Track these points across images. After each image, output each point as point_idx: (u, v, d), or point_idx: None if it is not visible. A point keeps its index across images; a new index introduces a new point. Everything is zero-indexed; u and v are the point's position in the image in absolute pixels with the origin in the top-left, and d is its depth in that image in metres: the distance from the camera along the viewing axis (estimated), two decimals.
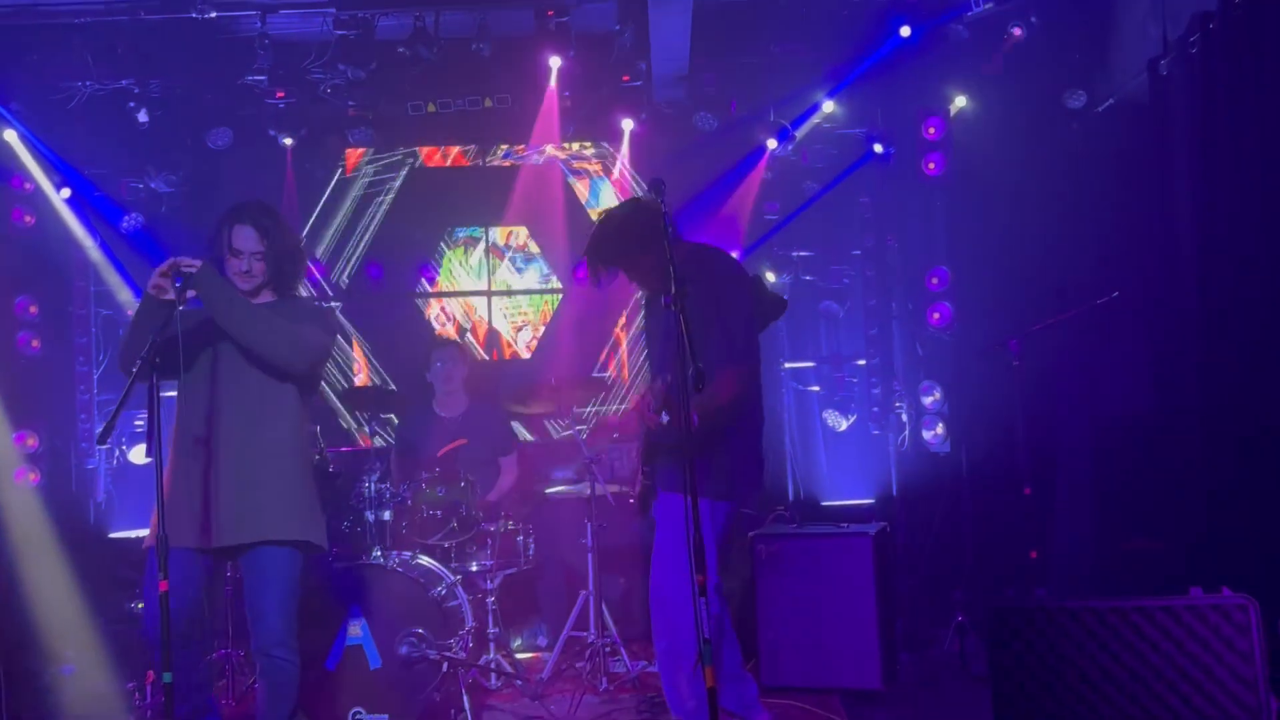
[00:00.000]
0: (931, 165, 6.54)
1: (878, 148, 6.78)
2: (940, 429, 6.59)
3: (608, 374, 7.26)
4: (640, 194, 7.29)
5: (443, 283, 7.40)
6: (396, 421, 6.21)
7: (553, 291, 7.46)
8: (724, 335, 3.52)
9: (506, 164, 7.42)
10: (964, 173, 6.50)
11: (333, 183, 7.34)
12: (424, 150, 7.41)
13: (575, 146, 7.45)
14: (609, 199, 7.41)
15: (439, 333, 7.28)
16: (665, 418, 3.42)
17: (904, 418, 6.79)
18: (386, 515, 5.14)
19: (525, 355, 7.34)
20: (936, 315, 6.57)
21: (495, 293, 7.43)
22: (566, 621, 5.60)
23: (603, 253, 3.65)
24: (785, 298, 3.90)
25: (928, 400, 6.63)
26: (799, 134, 6.89)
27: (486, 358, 7.25)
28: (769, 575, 5.21)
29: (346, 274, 7.27)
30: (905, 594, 6.13)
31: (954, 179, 6.52)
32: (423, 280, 7.39)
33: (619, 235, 3.63)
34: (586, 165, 7.46)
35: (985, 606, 5.42)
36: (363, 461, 5.27)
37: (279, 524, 3.51)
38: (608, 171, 7.42)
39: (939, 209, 6.64)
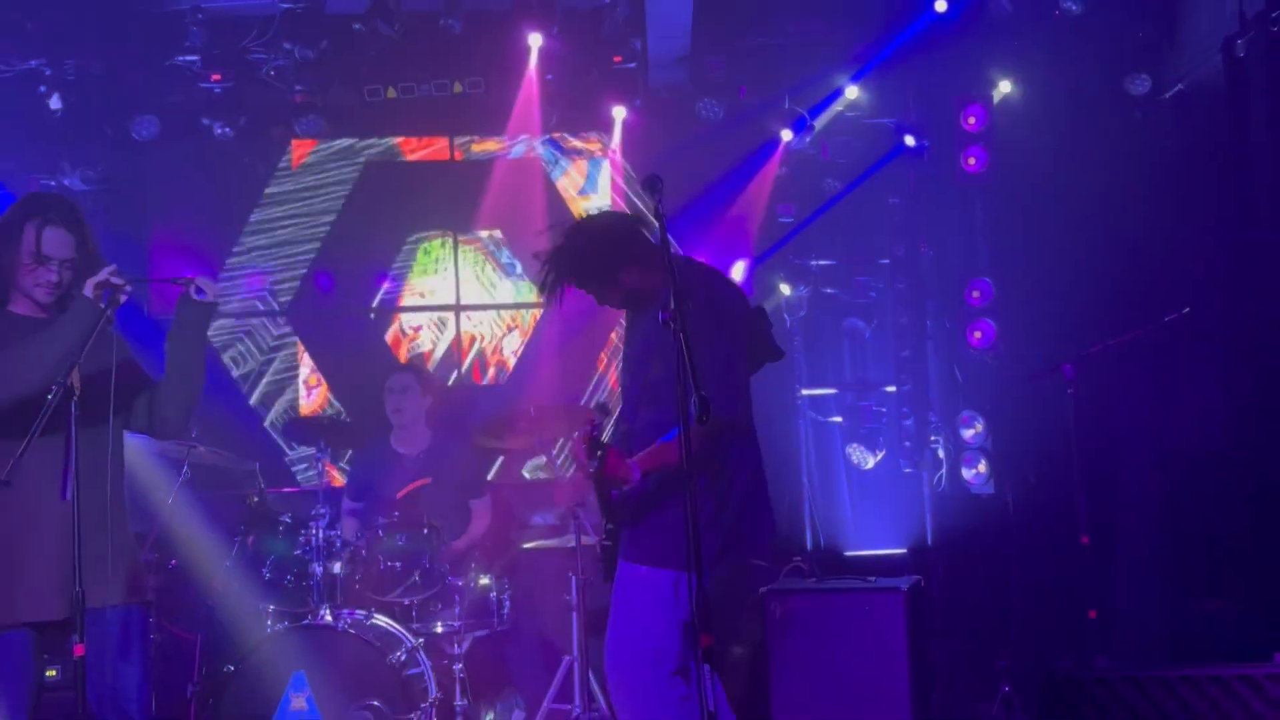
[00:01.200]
0: (972, 160, 6.56)
1: (909, 140, 6.81)
2: (983, 467, 6.60)
3: (594, 401, 7.24)
4: (633, 194, 7.33)
5: (409, 295, 7.41)
6: (349, 458, 6.19)
7: (531, 306, 7.45)
8: (704, 366, 3.44)
9: (480, 158, 7.43)
10: (1009, 169, 6.53)
11: (276, 179, 7.33)
12: (390, 141, 7.41)
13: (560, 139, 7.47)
14: (608, 186, 7.42)
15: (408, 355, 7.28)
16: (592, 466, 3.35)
17: (940, 454, 6.79)
18: (337, 567, 5.12)
19: (496, 378, 7.32)
20: (978, 334, 6.58)
21: (466, 307, 7.42)
22: (547, 693, 5.57)
23: (569, 267, 3.60)
24: (779, 347, 3.78)
25: (968, 433, 6.64)
26: (818, 124, 6.92)
27: (467, 379, 7.22)
28: (784, 638, 5.20)
29: (292, 286, 7.27)
30: (942, 661, 6.10)
31: (998, 176, 6.54)
32: (383, 291, 7.39)
33: (594, 247, 3.58)
34: (584, 144, 7.46)
35: (1036, 676, 5.40)
36: (309, 505, 5.26)
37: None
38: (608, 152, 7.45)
39: (980, 211, 6.66)
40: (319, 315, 7.29)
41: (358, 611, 5.14)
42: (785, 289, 7.01)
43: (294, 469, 7.06)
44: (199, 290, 3.40)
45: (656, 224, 3.30)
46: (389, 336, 7.36)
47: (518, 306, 7.46)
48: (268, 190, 7.29)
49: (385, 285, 7.35)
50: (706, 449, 3.43)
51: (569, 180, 7.50)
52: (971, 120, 6.56)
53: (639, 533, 3.58)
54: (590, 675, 5.47)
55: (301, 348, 7.31)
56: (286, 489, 6.36)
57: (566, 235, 3.65)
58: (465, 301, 7.41)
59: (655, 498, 3.53)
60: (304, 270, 7.29)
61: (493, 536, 6.04)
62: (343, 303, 7.28)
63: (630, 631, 3.54)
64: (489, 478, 6.54)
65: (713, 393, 3.29)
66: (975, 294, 6.60)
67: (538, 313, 7.44)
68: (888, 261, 7.15)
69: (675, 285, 3.10)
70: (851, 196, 6.97)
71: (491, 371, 7.39)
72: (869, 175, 6.90)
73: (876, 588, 5.24)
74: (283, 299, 7.30)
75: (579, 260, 3.61)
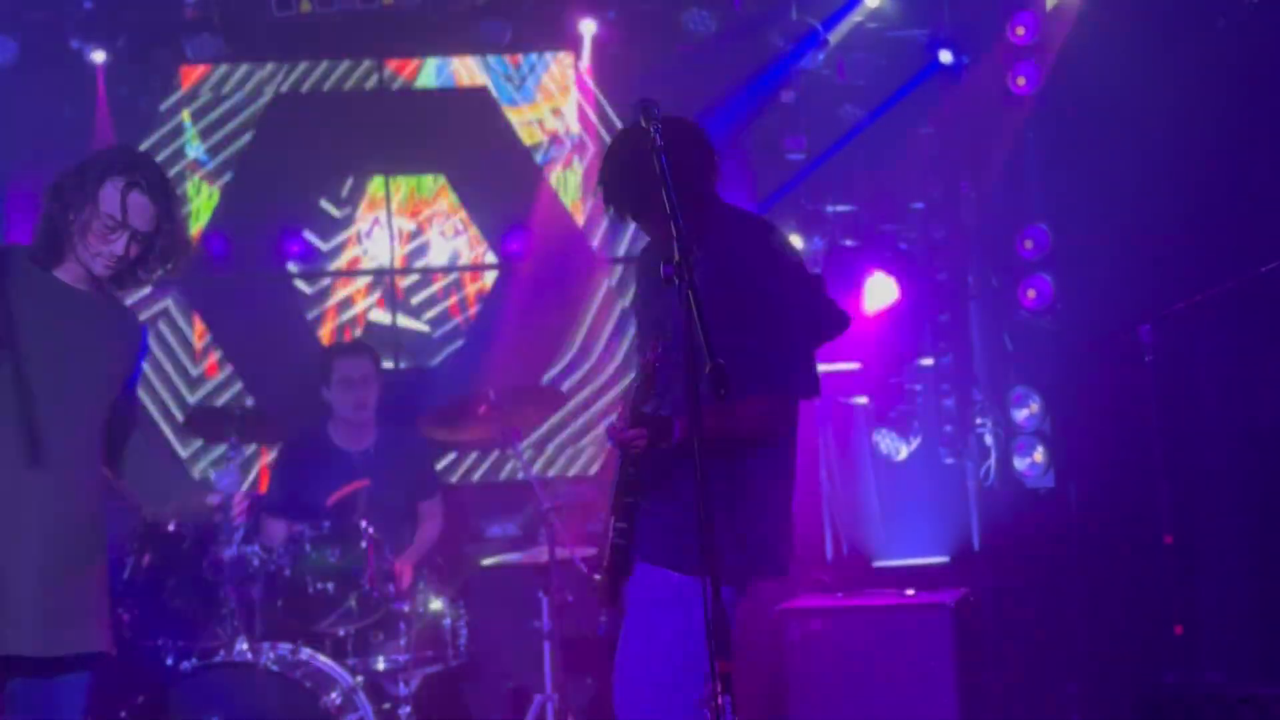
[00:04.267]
0: (1021, 81, 6.55)
1: (945, 56, 6.80)
2: (1040, 454, 6.61)
3: (568, 382, 7.26)
4: (605, 129, 7.31)
5: (332, 257, 7.39)
6: (271, 458, 6.16)
7: (483, 268, 7.45)
8: (761, 343, 3.51)
9: (416, 87, 7.42)
10: (1067, 91, 6.53)
11: (162, 114, 7.29)
12: (304, 66, 7.37)
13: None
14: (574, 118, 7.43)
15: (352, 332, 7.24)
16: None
17: (988, 440, 6.81)
18: (255, 591, 5.12)
19: (440, 355, 7.33)
20: (1032, 293, 6.58)
21: (402, 271, 7.40)
22: None
23: (610, 195, 3.70)
24: (843, 311, 3.85)
25: (1021, 414, 6.65)
26: (833, 38, 6.90)
27: (391, 365, 7.21)
28: (804, 666, 5.25)
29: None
30: (995, 689, 6.14)
31: (1053, 100, 6.54)
32: (296, 254, 7.36)
33: (620, 176, 3.63)
34: (545, 68, 7.45)
35: (1113, 702, 5.46)
36: (217, 517, 5.19)
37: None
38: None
39: (1032, 142, 6.67)
40: (215, 283, 7.25)
41: (282, 645, 5.14)
42: (797, 240, 6.98)
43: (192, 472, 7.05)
44: None
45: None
46: (326, 308, 7.34)
47: (467, 269, 7.45)
48: (152, 129, 7.24)
49: (301, 244, 7.33)
50: (771, 430, 3.51)
51: (526, 112, 7.48)
52: (1020, 31, 6.53)
53: (663, 528, 3.58)
54: (570, 719, 5.48)
55: (199, 324, 7.27)
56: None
57: (606, 153, 3.73)
58: (402, 264, 7.41)
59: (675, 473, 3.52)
60: (198, 228, 7.21)
61: (444, 550, 6.04)
62: (245, 268, 7.26)
63: (648, 652, 3.54)
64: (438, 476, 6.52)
65: (746, 376, 3.37)
66: (1028, 244, 6.59)
67: (474, 295, 7.42)
68: (921, 206, 7.13)
69: (679, 232, 3.09)
70: (875, 126, 6.93)
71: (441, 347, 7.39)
72: (896, 100, 6.87)
73: (916, 603, 5.29)
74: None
75: (612, 187, 3.68)
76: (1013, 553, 6.65)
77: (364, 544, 5.32)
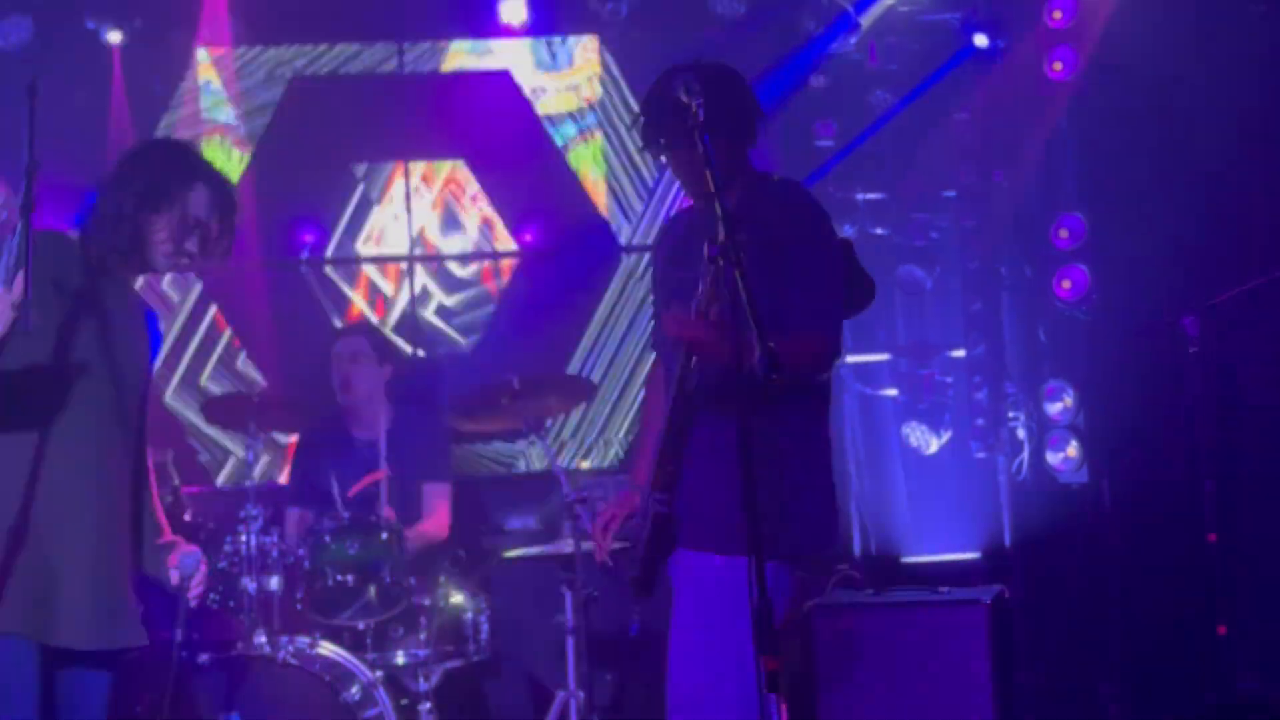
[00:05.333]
0: (1058, 65, 6.49)
1: (980, 40, 6.74)
2: (1073, 449, 6.58)
3: (593, 371, 7.20)
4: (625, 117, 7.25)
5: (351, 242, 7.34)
6: (295, 446, 6.09)
7: (503, 255, 7.38)
8: (806, 293, 3.45)
9: (437, 71, 7.36)
10: (1107, 75, 6.46)
11: (178, 98, 7.22)
12: (324, 49, 7.30)
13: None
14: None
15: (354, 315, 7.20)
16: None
17: (1021, 434, 6.75)
18: (274, 584, 5.09)
19: (462, 343, 7.28)
20: (1067, 284, 6.52)
21: (421, 258, 7.34)
22: None
23: (644, 135, 3.61)
24: (871, 280, 3.82)
25: (1055, 408, 6.62)
26: (865, 21, 6.84)
27: (413, 351, 7.16)
28: (836, 664, 5.16)
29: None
30: (1030, 688, 6.08)
31: (1092, 85, 6.48)
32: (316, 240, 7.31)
33: (650, 112, 3.56)
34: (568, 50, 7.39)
35: (1157, 708, 5.40)
36: (236, 505, 5.19)
37: None
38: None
39: (1069, 129, 6.60)
40: (235, 269, 7.19)
41: (300, 638, 5.09)
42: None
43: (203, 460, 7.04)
44: None
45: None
46: (345, 296, 7.29)
47: (488, 256, 7.38)
48: (167, 113, 7.18)
49: (319, 231, 7.28)
50: (828, 356, 3.47)
51: (549, 97, 7.41)
52: (1058, 14, 6.47)
53: (707, 507, 3.49)
54: (594, 717, 5.42)
55: (218, 313, 7.24)
56: (205, 487, 6.30)
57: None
58: (423, 250, 7.35)
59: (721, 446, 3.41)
60: None
61: (464, 542, 5.98)
62: (262, 255, 7.19)
63: (704, 642, 3.46)
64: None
65: (799, 319, 3.35)
66: (1063, 233, 6.53)
67: (496, 283, 7.38)
68: (953, 194, 7.08)
69: (723, 210, 3.02)
70: (907, 113, 6.89)
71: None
72: (929, 85, 6.83)
73: (951, 600, 5.21)
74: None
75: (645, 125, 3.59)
76: (1045, 549, 6.61)
77: (385, 536, 5.26)
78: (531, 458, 7.27)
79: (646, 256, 7.33)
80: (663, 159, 3.64)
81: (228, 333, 7.24)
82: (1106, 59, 6.45)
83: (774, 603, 3.17)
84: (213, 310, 7.23)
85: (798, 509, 3.49)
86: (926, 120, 6.91)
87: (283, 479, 6.74)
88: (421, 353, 7.23)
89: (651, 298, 3.91)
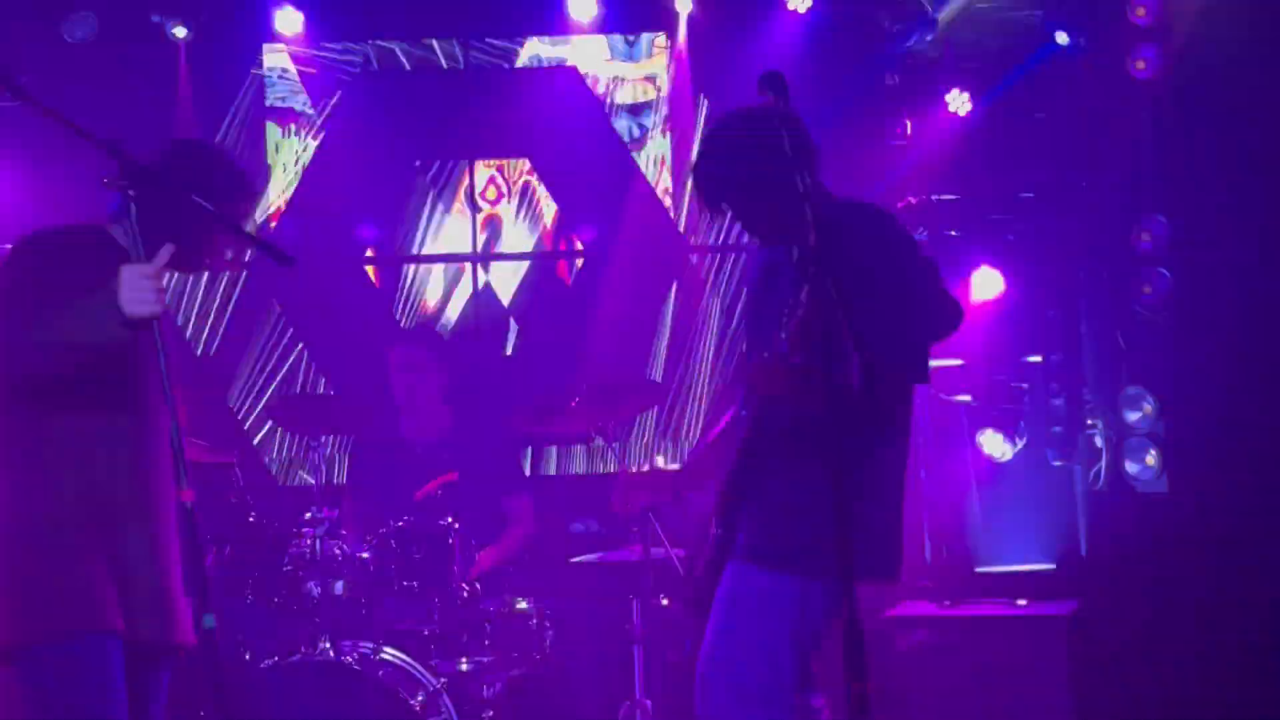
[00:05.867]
0: (1141, 64, 6.38)
1: (1061, 38, 6.62)
2: (1152, 458, 6.47)
3: (657, 373, 7.15)
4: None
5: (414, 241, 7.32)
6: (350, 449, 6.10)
7: (568, 255, 7.33)
8: (884, 316, 3.37)
9: (503, 67, 7.32)
10: (1191, 74, 6.35)
11: (244, 94, 7.22)
12: (389, 45, 7.29)
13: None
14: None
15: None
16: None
17: (1098, 442, 6.63)
18: (339, 588, 5.03)
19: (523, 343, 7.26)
20: (1148, 289, 6.42)
21: (486, 257, 7.31)
22: None
23: (708, 181, 3.57)
24: (958, 305, 3.79)
25: (1134, 416, 6.51)
26: (942, 18, 6.72)
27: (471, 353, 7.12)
28: (909, 676, 5.12)
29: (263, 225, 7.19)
30: (1107, 704, 5.96)
31: (1176, 84, 6.37)
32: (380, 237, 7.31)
33: (727, 157, 3.50)
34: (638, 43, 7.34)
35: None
36: (301, 507, 5.16)
37: None
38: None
39: (1151, 129, 6.47)
40: (299, 269, 7.15)
41: (364, 644, 5.04)
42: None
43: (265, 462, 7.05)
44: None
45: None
46: (406, 295, 7.26)
47: (553, 255, 7.34)
48: (233, 108, 7.17)
49: (381, 228, 7.27)
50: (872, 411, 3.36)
51: (625, 88, 7.36)
52: (1141, 11, 6.34)
53: (768, 522, 3.46)
54: None
55: (277, 311, 7.23)
56: (267, 488, 6.28)
57: (705, 136, 3.68)
58: (487, 249, 7.32)
59: (788, 465, 3.43)
60: (277, 208, 7.23)
61: (532, 548, 5.93)
62: (328, 251, 7.20)
63: (738, 657, 3.44)
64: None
65: (887, 349, 3.30)
66: (1145, 236, 6.43)
67: (578, 264, 7.35)
68: (1031, 195, 6.94)
69: (813, 214, 2.94)
70: (984, 112, 6.77)
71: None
72: (1008, 84, 6.72)
73: (1030, 614, 5.14)
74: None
75: (713, 172, 3.56)
76: (1121, 561, 6.47)
77: (450, 540, 5.20)
78: (593, 459, 7.23)
79: (711, 258, 7.29)
80: (722, 205, 3.58)
81: (289, 332, 7.23)
82: (1191, 57, 6.34)
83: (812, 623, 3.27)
84: (276, 309, 7.22)
85: (863, 534, 3.41)
86: (1004, 119, 6.80)
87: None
88: (485, 353, 7.18)
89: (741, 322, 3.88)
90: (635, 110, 7.36)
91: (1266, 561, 6.03)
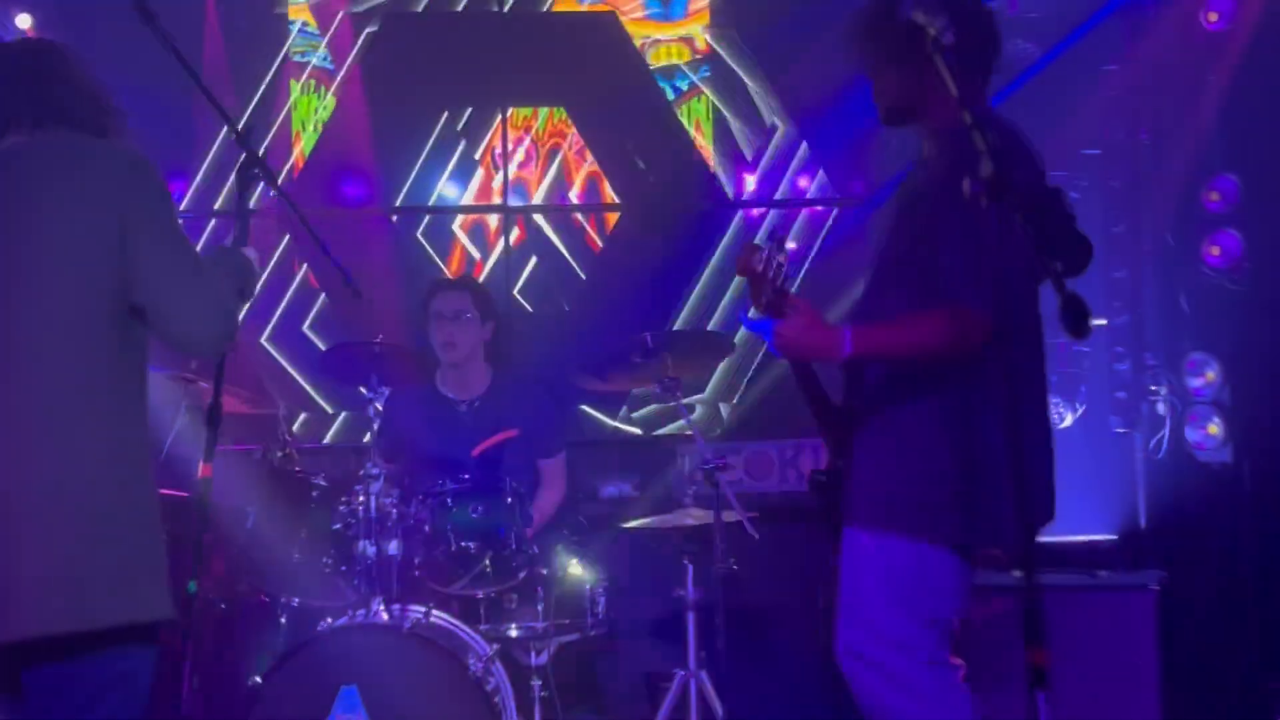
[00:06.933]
0: (1214, 17, 6.29)
1: None
2: (1214, 427, 6.38)
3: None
4: (738, 68, 6.98)
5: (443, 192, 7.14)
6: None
7: (604, 208, 7.15)
8: (961, 254, 3.15)
9: (538, 10, 7.17)
10: (1267, 28, 6.19)
11: (269, 39, 7.06)
12: None
13: None
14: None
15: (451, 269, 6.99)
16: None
17: (1161, 409, 6.51)
18: (393, 548, 4.85)
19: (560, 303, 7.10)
20: (1216, 250, 6.30)
21: (519, 209, 7.11)
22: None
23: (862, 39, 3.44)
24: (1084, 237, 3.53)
25: (1196, 382, 6.43)
26: None
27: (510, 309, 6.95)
28: (987, 648, 4.92)
29: (288, 178, 7.03)
30: (1189, 678, 5.86)
31: (1250, 38, 6.22)
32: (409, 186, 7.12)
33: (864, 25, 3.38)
34: None
35: None
36: (354, 464, 5.02)
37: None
38: None
39: (1224, 85, 6.31)
40: (321, 216, 6.98)
41: (413, 608, 4.85)
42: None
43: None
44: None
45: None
46: (439, 248, 7.10)
47: (587, 209, 7.18)
48: (256, 57, 7.02)
49: (408, 180, 7.10)
50: (959, 345, 3.17)
51: (660, 48, 7.19)
52: None
53: (865, 480, 3.30)
54: (713, 697, 5.22)
55: (296, 261, 7.03)
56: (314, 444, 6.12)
57: None
58: (519, 201, 7.14)
59: (893, 422, 3.28)
60: (306, 153, 7.09)
61: (581, 509, 5.80)
62: (356, 200, 7.07)
63: (861, 614, 3.33)
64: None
65: (945, 285, 3.12)
66: (1214, 196, 6.31)
67: (613, 217, 7.14)
68: (1097, 152, 6.83)
69: (987, 142, 2.74)
70: (1052, 65, 6.60)
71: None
72: (1077, 37, 6.56)
73: (1113, 585, 5.01)
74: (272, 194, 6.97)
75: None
76: (1181, 532, 6.37)
77: (509, 500, 5.02)
78: (629, 420, 7.07)
79: (756, 212, 7.12)
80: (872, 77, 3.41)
81: (318, 290, 7.08)
82: (1267, 9, 6.20)
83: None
84: (304, 267, 7.06)
85: (973, 494, 3.24)
86: (1071, 73, 6.62)
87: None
88: (524, 309, 7.00)
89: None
90: (668, 73, 7.17)
91: None
